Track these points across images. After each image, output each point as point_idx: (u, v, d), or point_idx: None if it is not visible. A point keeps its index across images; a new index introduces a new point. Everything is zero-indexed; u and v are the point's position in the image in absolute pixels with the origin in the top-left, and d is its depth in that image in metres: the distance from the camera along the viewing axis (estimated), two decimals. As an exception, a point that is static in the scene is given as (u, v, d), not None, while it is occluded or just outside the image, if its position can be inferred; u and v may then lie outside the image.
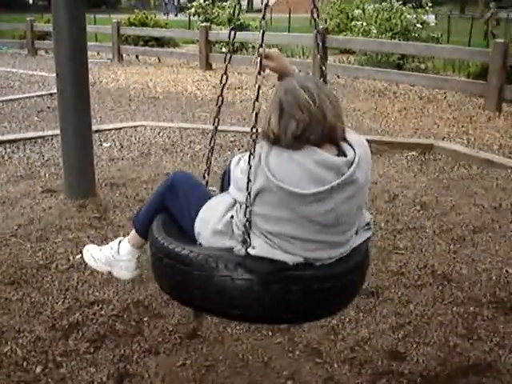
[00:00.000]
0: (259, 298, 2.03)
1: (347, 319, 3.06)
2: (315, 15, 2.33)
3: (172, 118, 7.95)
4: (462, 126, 7.44)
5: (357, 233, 2.20)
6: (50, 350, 2.80)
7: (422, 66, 12.14)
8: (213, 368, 2.69)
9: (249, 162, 1.98)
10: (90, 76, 4.88)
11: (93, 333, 2.93)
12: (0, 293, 3.29)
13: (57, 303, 3.19)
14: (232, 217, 2.12)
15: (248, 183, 1.98)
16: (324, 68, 2.40)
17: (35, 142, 6.39)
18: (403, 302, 3.24)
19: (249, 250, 2.02)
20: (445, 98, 9.36)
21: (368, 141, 2.16)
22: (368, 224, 2.26)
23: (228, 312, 2.13)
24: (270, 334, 2.94)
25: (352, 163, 1.97)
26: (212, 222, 2.19)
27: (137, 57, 15.08)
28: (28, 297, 3.25)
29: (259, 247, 2.02)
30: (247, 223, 2.02)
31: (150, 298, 3.24)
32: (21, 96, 9.45)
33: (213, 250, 2.14)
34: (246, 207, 2.01)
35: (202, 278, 2.07)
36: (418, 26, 12.49)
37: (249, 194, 1.99)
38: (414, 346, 2.86)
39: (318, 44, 2.40)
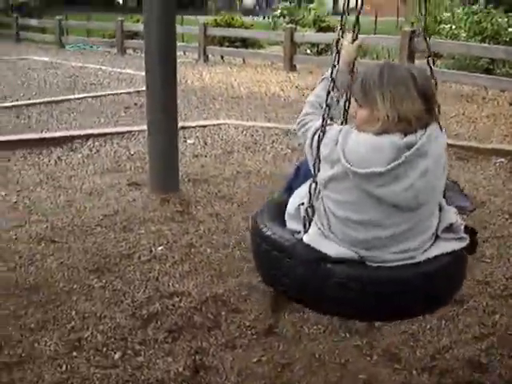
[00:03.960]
0: (305, 285, 2.01)
1: (428, 326, 2.97)
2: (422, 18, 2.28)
3: (255, 117, 7.99)
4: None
5: (437, 238, 2.08)
6: (129, 338, 2.86)
7: (513, 72, 11.68)
8: (288, 366, 2.67)
9: (318, 145, 1.99)
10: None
11: (171, 324, 2.97)
12: (84, 280, 3.40)
13: (138, 292, 3.25)
14: (303, 203, 2.11)
15: (314, 168, 2.00)
16: (431, 67, 2.28)
17: (122, 137, 6.58)
18: (488, 312, 3.12)
19: (304, 236, 2.04)
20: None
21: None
22: (454, 230, 2.09)
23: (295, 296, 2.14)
24: (348, 335, 2.89)
25: (422, 136, 1.91)
26: (288, 207, 2.22)
27: (222, 57, 15.28)
28: (110, 285, 3.34)
29: (311, 235, 2.03)
30: (309, 209, 2.04)
31: (228, 292, 3.26)
32: (109, 92, 9.76)
33: (289, 233, 2.15)
34: (310, 194, 2.03)
35: (275, 259, 2.09)
36: (510, 30, 12.01)
37: (315, 182, 2.01)
38: (498, 357, 2.74)
39: (427, 44, 2.31)
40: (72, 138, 6.39)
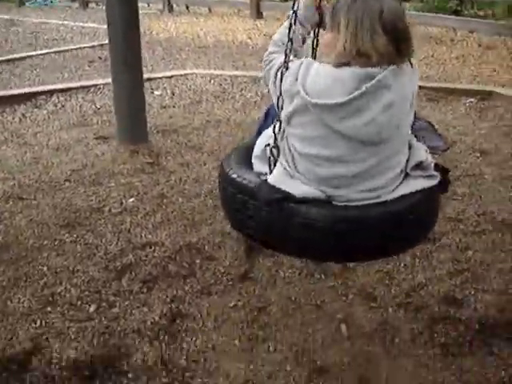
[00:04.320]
0: (270, 227, 1.96)
1: (402, 264, 2.99)
2: None
3: (223, 66, 7.84)
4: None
5: (406, 177, 2.03)
6: (103, 290, 2.82)
7: (481, 13, 11.62)
8: (265, 310, 2.67)
9: (280, 81, 1.93)
10: (140, 26, 4.81)
11: (145, 274, 2.94)
12: (55, 235, 3.33)
13: (110, 245, 3.21)
14: (269, 144, 2.05)
15: (278, 106, 1.94)
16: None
17: (88, 91, 6.41)
18: (461, 248, 3.14)
19: (268, 176, 1.99)
20: (504, 45, 8.95)
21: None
22: (423, 168, 2.04)
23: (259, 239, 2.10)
24: (324, 277, 2.90)
25: (386, 70, 1.83)
26: (255, 149, 2.18)
27: (187, 7, 14.90)
28: (82, 239, 3.28)
29: (275, 175, 1.98)
30: (274, 149, 1.99)
31: (202, 240, 3.23)
32: (72, 47, 9.49)
33: (255, 175, 2.10)
34: (274, 134, 1.98)
35: (241, 202, 2.04)
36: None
37: (279, 120, 1.96)
38: (473, 292, 2.77)
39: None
40: (36, 95, 6.19)
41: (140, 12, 4.94)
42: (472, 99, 5.97)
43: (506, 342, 2.44)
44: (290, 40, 1.96)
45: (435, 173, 2.05)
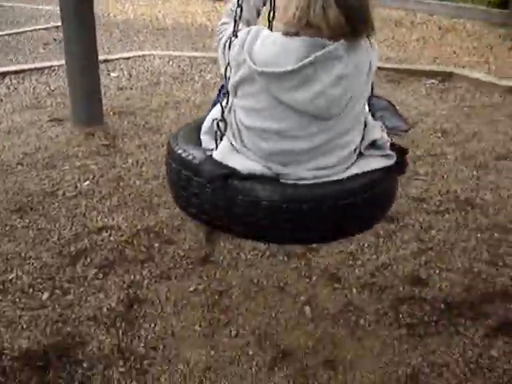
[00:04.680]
0: (214, 205, 1.83)
1: (366, 245, 2.94)
2: None
3: (182, 48, 7.66)
4: (482, 56, 7.12)
5: (360, 156, 1.92)
6: (56, 277, 2.70)
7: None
8: (226, 293, 2.58)
9: (223, 48, 1.85)
10: (96, 9, 4.64)
11: (101, 259, 2.82)
12: (6, 220, 3.18)
13: (64, 230, 3.07)
14: (216, 119, 1.92)
15: (225, 76, 1.83)
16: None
17: (42, 73, 6.18)
18: (425, 227, 3.11)
19: (213, 152, 1.87)
20: (464, 27, 8.98)
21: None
22: (378, 147, 1.92)
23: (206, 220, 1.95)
24: (286, 259, 2.82)
25: (337, 42, 1.71)
26: (204, 124, 2.06)
27: (145, -11, 14.62)
28: (34, 224, 3.14)
29: (220, 150, 1.85)
30: (220, 123, 1.86)
31: (160, 224, 3.12)
32: (26, 29, 9.18)
33: (202, 151, 1.96)
34: (221, 107, 1.86)
35: (185, 179, 1.91)
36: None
37: (226, 92, 1.85)
38: (437, 271, 2.73)
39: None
40: (-13, 77, 5.97)
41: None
42: (433, 80, 5.96)
43: (472, 322, 2.41)
44: (240, 6, 1.85)
45: (391, 152, 1.92)
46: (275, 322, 2.41)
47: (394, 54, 7.21)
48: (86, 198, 3.42)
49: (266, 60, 1.73)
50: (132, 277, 2.68)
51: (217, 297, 2.55)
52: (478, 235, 3.04)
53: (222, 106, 1.87)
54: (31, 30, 9.07)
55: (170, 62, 6.62)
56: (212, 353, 2.25)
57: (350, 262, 2.80)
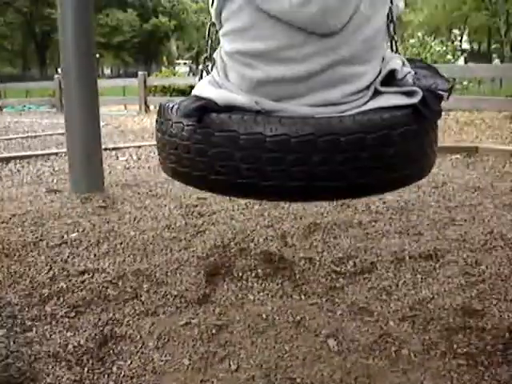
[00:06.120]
0: (190, 148, 1.46)
1: (401, 281, 2.39)
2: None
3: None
4: (506, 138, 6.79)
5: (376, 95, 1.47)
6: (19, 315, 2.18)
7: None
8: (226, 328, 2.02)
9: None
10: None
11: (77, 299, 2.30)
12: (-25, 269, 2.71)
13: (39, 274, 2.58)
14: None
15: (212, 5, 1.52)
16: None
17: (47, 158, 5.94)
18: (471, 263, 2.56)
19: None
20: (483, 120, 8.75)
21: None
22: (400, 82, 1.47)
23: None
24: (303, 297, 2.28)
25: None
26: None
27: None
28: (6, 269, 2.65)
29: (199, 85, 1.55)
30: (206, 60, 1.61)
31: (153, 267, 2.62)
32: (41, 134, 9.14)
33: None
34: (208, 42, 1.61)
35: (167, 129, 1.56)
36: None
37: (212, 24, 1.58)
38: (494, 302, 2.17)
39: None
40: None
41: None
42: (458, 155, 5.56)
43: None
44: None
45: (416, 88, 1.44)
46: (289, 355, 1.84)
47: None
48: (72, 247, 2.94)
49: None
50: (111, 315, 2.15)
51: (214, 331, 2.00)
52: (537, 271, 2.48)
53: (208, 43, 1.60)
54: (45, 135, 9.03)
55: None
56: (204, 390, 1.68)
57: (384, 297, 2.25)
